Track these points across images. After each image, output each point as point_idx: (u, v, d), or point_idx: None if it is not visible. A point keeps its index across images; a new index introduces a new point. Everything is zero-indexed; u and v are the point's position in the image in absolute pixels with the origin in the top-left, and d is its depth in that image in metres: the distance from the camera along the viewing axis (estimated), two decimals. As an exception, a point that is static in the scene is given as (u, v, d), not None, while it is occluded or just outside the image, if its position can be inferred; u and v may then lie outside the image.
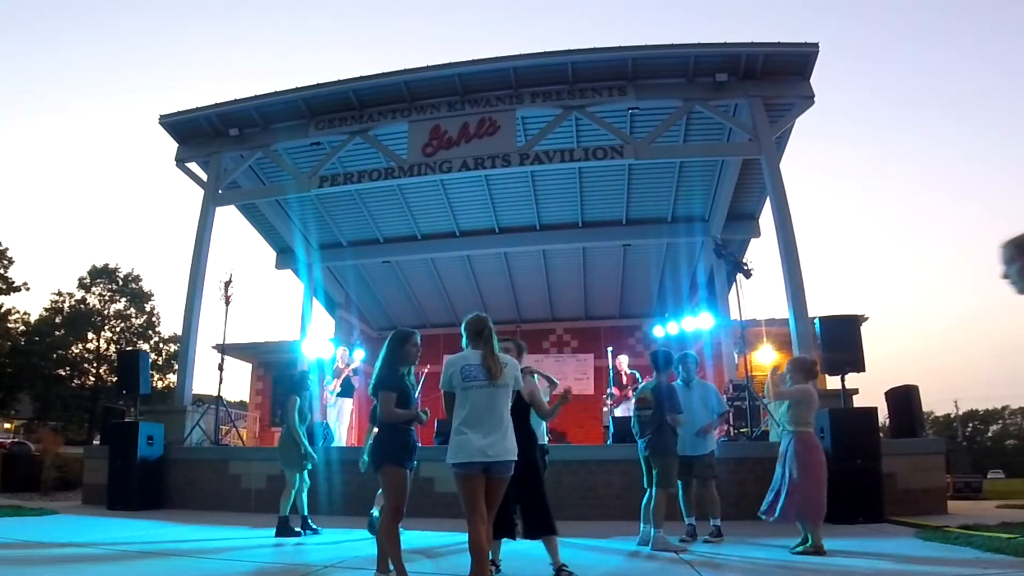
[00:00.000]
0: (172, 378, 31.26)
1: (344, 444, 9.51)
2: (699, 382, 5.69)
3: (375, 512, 5.19)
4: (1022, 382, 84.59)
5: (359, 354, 10.71)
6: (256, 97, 10.19)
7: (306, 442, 5.79)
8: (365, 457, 3.97)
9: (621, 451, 6.92)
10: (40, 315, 33.86)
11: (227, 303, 10.01)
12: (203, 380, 23.36)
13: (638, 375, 9.64)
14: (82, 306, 34.49)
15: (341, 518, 6.71)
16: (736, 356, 10.85)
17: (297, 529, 5.66)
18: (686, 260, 13.57)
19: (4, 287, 31.19)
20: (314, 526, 5.81)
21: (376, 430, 3.67)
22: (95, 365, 33.89)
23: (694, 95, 9.31)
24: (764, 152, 8.97)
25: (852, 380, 7.20)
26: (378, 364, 3.59)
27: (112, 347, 34.16)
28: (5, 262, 31.30)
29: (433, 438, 9.44)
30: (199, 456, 8.50)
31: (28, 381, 31.12)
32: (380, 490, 5.29)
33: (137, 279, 36.30)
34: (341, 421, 9.81)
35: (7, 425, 29.39)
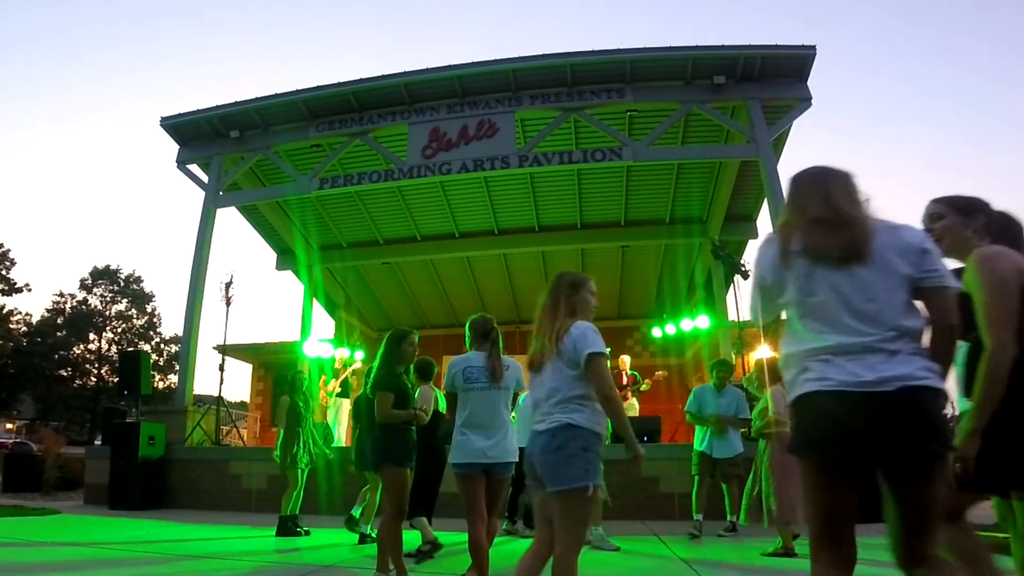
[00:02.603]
0: (173, 379, 31.34)
1: (344, 444, 9.55)
2: (731, 388, 5.81)
3: (356, 512, 5.27)
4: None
5: (359, 355, 10.76)
6: (257, 99, 10.24)
7: (304, 442, 5.83)
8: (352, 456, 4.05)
9: (620, 451, 6.93)
10: (42, 316, 34.01)
11: (228, 304, 10.08)
12: (204, 381, 23.50)
13: (638, 375, 9.68)
14: (84, 307, 34.62)
15: (341, 518, 6.74)
16: (733, 357, 10.89)
17: (299, 528, 5.70)
18: (684, 261, 13.61)
19: (6, 288, 31.29)
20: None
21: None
22: (96, 366, 34.00)
23: (692, 97, 9.35)
24: (762, 154, 9.01)
25: (849, 381, 7.22)
26: (375, 364, 3.61)
27: (113, 348, 34.32)
28: (7, 263, 31.40)
29: (433, 438, 9.48)
30: (200, 456, 8.55)
31: (30, 381, 31.24)
32: (364, 490, 5.36)
33: (138, 280, 36.45)
34: (340, 422, 9.86)
35: (9, 425, 29.45)
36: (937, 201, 2.00)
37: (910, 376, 1.47)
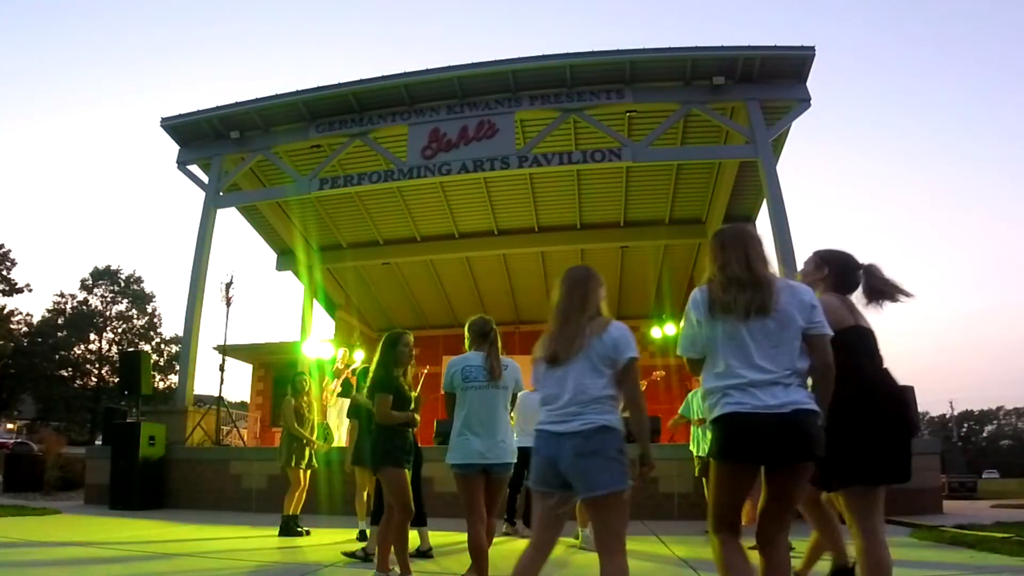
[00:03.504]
0: (173, 379, 31.35)
1: (344, 444, 9.57)
2: None
3: (366, 529, 5.28)
4: (1017, 382, 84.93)
5: (359, 355, 10.76)
6: (257, 100, 10.26)
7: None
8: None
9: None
10: (43, 316, 34.04)
11: (228, 304, 10.09)
12: (204, 381, 23.45)
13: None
14: (84, 307, 34.63)
15: (341, 518, 6.77)
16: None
17: (300, 528, 5.71)
18: (683, 262, 13.63)
19: (7, 288, 31.31)
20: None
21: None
22: (97, 366, 34.01)
23: (691, 98, 9.37)
24: (761, 154, 9.04)
25: (848, 381, 7.24)
26: (373, 367, 3.64)
27: (114, 348, 34.34)
28: (8, 264, 31.42)
29: (433, 438, 9.51)
30: (200, 456, 8.57)
31: (31, 382, 31.25)
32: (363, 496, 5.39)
33: (139, 281, 36.46)
34: (341, 421, 9.87)
35: (10, 425, 29.48)
36: (814, 252, 2.65)
37: (799, 402, 1.98)
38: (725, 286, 2.10)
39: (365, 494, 5.50)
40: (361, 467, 5.27)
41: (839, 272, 2.54)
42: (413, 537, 4.17)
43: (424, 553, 4.49)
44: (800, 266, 2.71)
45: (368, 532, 5.24)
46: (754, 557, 2.16)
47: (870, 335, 2.44)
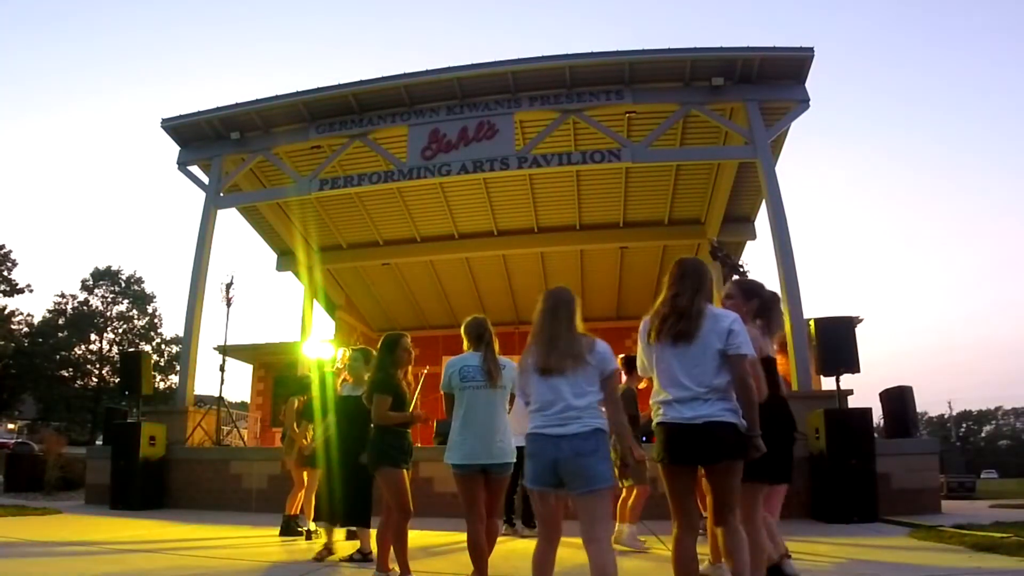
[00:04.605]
0: (174, 379, 31.35)
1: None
2: None
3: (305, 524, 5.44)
4: (1016, 382, 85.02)
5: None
6: (257, 101, 10.26)
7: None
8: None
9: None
10: (43, 317, 34.05)
11: (228, 305, 10.11)
12: (204, 381, 23.40)
13: (636, 376, 9.70)
14: (85, 308, 34.65)
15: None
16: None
17: (301, 528, 5.72)
18: (683, 262, 13.62)
19: (8, 289, 31.33)
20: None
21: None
22: (97, 366, 34.03)
23: (691, 99, 9.38)
24: (760, 155, 9.04)
25: (847, 381, 7.26)
26: (373, 368, 3.66)
27: (114, 348, 34.35)
28: (9, 264, 31.44)
29: (433, 438, 9.53)
30: (200, 456, 8.58)
31: (32, 382, 31.25)
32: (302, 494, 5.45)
33: (139, 281, 36.46)
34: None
35: (11, 426, 29.48)
36: (733, 283, 3.13)
37: (711, 415, 2.40)
38: (660, 317, 2.54)
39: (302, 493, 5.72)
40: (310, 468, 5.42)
41: (762, 304, 3.05)
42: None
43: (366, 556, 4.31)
44: (727, 287, 3.18)
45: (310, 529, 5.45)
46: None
47: (773, 363, 3.03)
